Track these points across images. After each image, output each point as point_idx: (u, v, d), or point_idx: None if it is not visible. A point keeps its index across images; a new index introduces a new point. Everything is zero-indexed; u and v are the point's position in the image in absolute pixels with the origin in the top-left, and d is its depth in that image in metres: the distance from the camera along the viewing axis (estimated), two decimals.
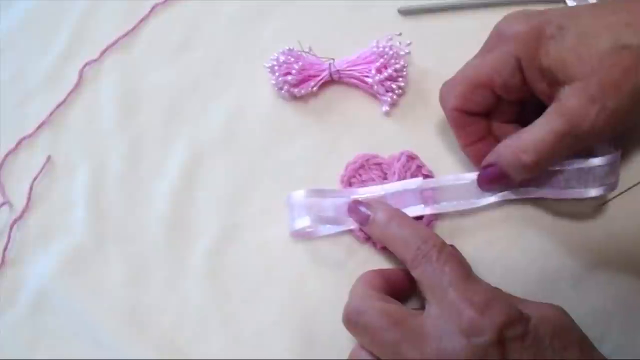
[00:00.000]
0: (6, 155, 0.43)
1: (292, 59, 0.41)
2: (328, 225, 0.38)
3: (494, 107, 0.36)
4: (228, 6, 0.47)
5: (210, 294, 0.38)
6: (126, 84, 0.45)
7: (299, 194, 0.38)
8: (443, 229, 0.38)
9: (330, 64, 0.42)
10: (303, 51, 0.42)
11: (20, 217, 0.42)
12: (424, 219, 0.38)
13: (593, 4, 0.34)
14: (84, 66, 0.46)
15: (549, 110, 0.32)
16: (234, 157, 0.42)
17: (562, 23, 0.32)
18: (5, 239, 0.41)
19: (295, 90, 0.42)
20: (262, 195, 0.40)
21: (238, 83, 0.44)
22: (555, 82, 0.32)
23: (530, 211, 0.38)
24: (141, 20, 0.47)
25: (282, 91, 0.42)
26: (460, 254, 0.33)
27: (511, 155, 0.33)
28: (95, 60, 0.46)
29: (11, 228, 0.41)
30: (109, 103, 0.45)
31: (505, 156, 0.34)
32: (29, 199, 0.42)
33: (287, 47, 0.42)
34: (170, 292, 0.39)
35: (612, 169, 0.35)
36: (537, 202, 0.38)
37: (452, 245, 0.33)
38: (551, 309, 0.31)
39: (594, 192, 0.35)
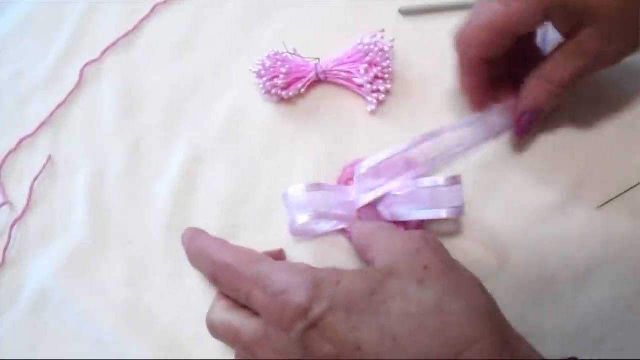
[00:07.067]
0: (7, 155, 0.44)
1: (279, 62, 0.41)
2: (328, 223, 0.38)
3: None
4: (228, 6, 0.47)
5: (210, 293, 0.38)
6: (127, 83, 0.45)
7: (297, 189, 0.37)
8: (442, 231, 0.38)
9: (316, 65, 0.41)
10: (288, 52, 0.42)
11: (21, 217, 0.42)
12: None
13: None
14: (85, 66, 0.46)
15: (569, 46, 0.35)
16: (233, 158, 0.42)
17: None
18: (5, 239, 0.41)
19: (284, 93, 0.41)
20: (261, 195, 0.40)
21: (238, 83, 0.44)
22: (577, 24, 0.34)
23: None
24: (142, 20, 0.47)
25: (270, 95, 0.42)
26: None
27: (545, 93, 0.36)
28: (95, 60, 0.46)
29: (12, 228, 0.41)
30: (110, 103, 0.45)
31: (539, 94, 0.36)
32: (29, 199, 0.42)
33: (273, 51, 0.42)
34: (171, 291, 0.39)
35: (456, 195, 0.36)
36: None
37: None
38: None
39: (444, 213, 0.35)
